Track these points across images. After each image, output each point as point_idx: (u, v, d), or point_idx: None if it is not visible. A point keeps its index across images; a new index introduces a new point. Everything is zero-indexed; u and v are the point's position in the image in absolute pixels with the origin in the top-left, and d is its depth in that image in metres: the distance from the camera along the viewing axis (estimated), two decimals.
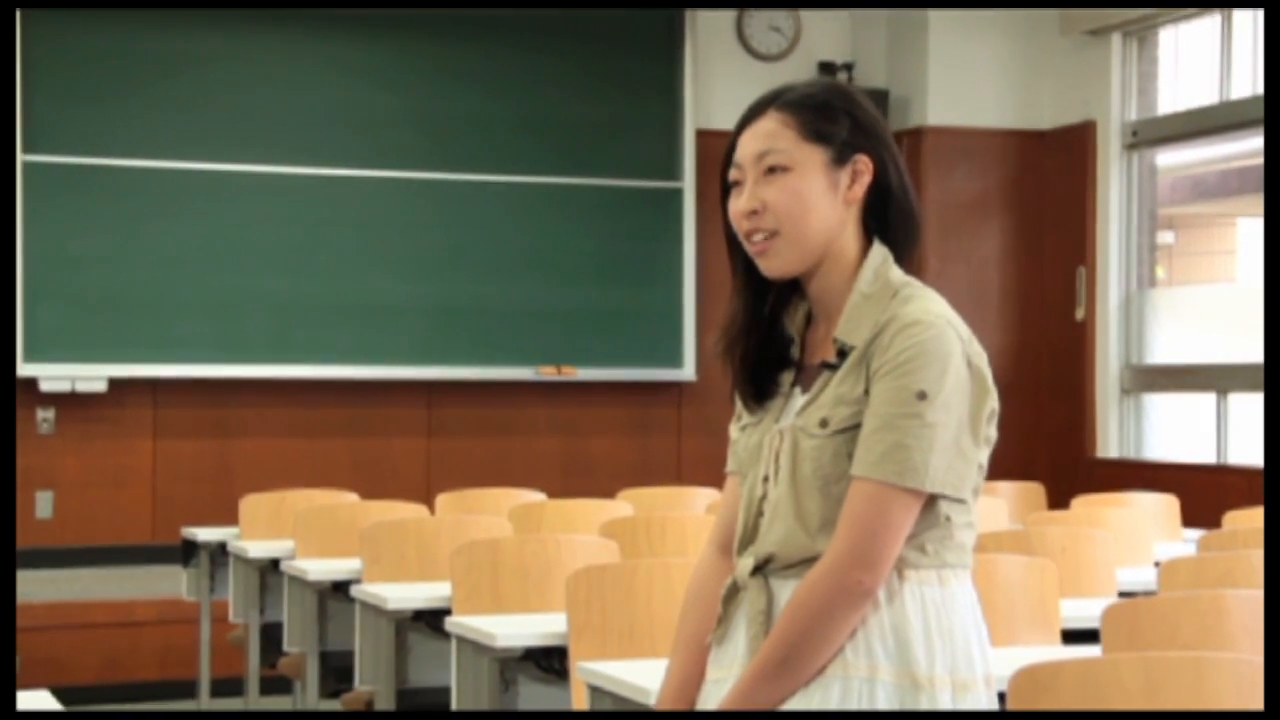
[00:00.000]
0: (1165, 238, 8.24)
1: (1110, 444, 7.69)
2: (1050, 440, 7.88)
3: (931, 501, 2.10)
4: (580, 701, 3.10)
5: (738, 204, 2.18)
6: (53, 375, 6.98)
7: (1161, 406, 7.70)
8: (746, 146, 2.18)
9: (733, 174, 2.20)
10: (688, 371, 7.75)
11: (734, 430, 2.28)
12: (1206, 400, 7.29)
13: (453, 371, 7.53)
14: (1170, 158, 7.88)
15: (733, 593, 2.20)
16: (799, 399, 2.19)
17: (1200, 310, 7.56)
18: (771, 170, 2.15)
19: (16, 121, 6.85)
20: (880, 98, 7.85)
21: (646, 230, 7.80)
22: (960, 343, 2.11)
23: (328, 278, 7.34)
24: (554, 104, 7.68)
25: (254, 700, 5.28)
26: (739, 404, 2.26)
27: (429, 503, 5.67)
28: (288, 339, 7.29)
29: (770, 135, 2.16)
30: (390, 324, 7.42)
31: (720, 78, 7.89)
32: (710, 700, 2.20)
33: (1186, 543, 5.55)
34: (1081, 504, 5.75)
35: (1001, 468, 7.24)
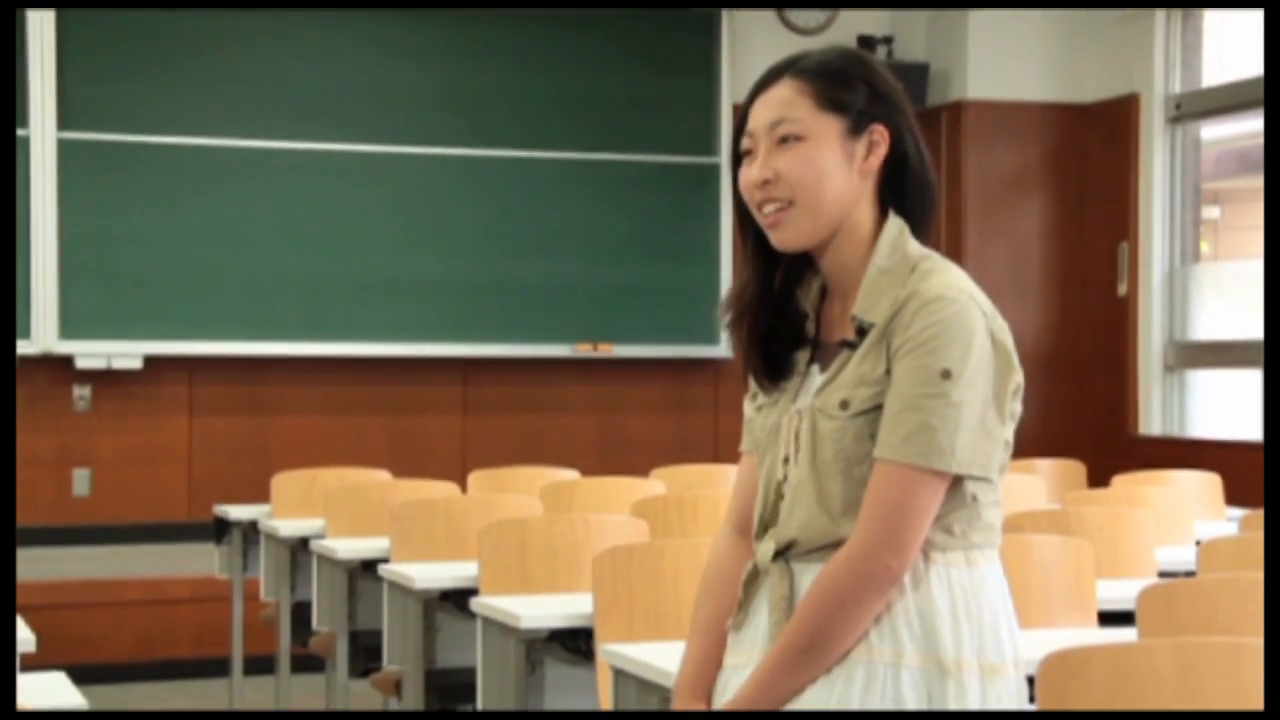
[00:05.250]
0: (1210, 212, 8.13)
1: (1153, 421, 7.59)
2: (1092, 417, 7.79)
3: (957, 481, 2.04)
4: (605, 684, 3.05)
5: (750, 173, 2.11)
6: (89, 353, 6.98)
7: (1205, 383, 7.60)
8: (759, 115, 2.11)
9: (745, 143, 2.13)
10: (724, 348, 7.70)
11: (749, 408, 2.22)
12: (1252, 377, 7.19)
13: (488, 349, 7.50)
14: (1215, 131, 7.77)
15: (753, 577, 2.14)
16: (817, 378, 2.13)
17: (1245, 285, 7.45)
18: (785, 140, 2.09)
19: (27, 103, 6.85)
20: (920, 71, 7.77)
21: (684, 206, 7.74)
22: (983, 317, 2.04)
23: (363, 255, 7.31)
24: (590, 80, 7.63)
25: (285, 679, 5.27)
26: (753, 382, 2.20)
27: (464, 481, 5.63)
28: (323, 316, 7.27)
29: (784, 103, 2.10)
30: (426, 301, 7.40)
31: (758, 52, 7.81)
32: (729, 686, 2.14)
33: (1229, 521, 5.47)
34: (1122, 482, 5.66)
35: (1042, 445, 7.17)
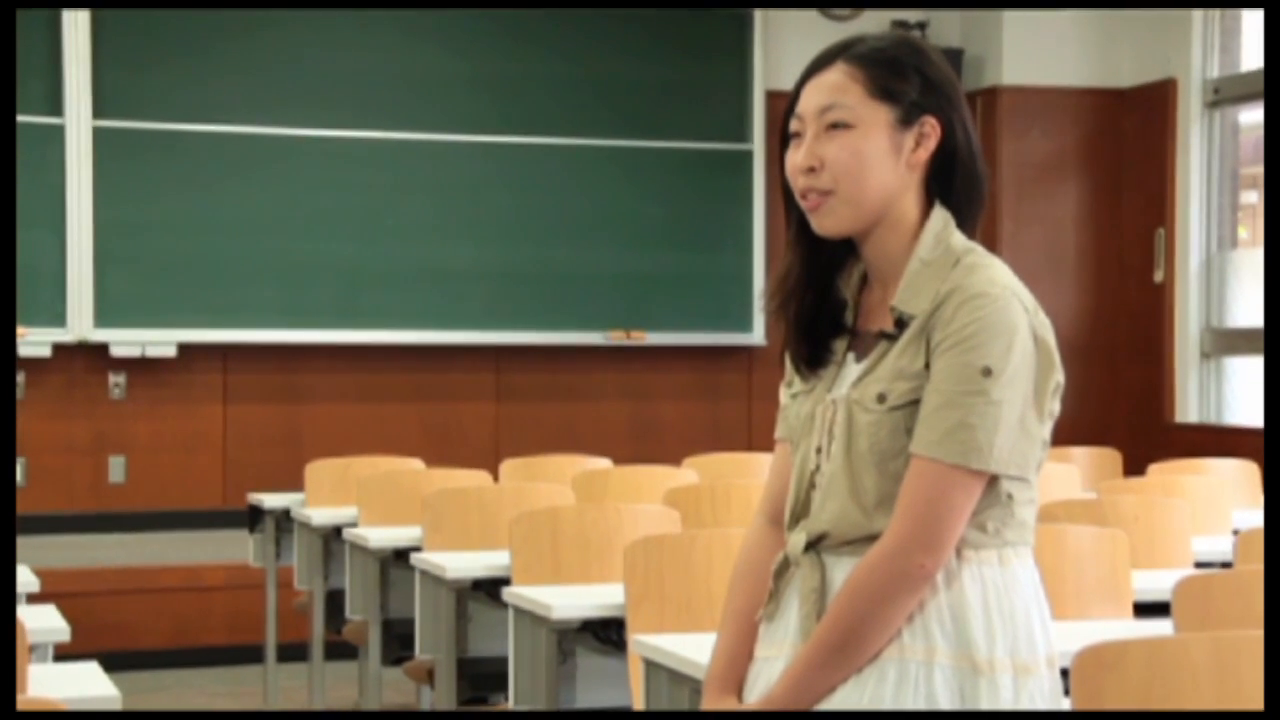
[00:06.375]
0: (1249, 198, 8.06)
1: (1190, 409, 7.54)
2: (1128, 405, 7.74)
3: (993, 480, 2.01)
4: (636, 675, 3.05)
5: (794, 158, 2.09)
6: (123, 340, 7.00)
7: (1243, 370, 7.54)
8: (810, 98, 2.08)
9: (793, 125, 2.10)
10: (757, 336, 7.67)
11: (784, 395, 2.19)
12: None
13: (521, 336, 7.50)
14: (1254, 116, 7.70)
15: (784, 568, 2.12)
16: (853, 367, 2.10)
17: None
18: (833, 126, 2.05)
19: (62, 90, 6.86)
20: (954, 56, 7.72)
21: (716, 193, 7.72)
22: (1026, 315, 2.01)
23: (396, 242, 7.32)
24: (622, 66, 7.61)
25: (318, 666, 5.28)
26: (789, 368, 2.18)
27: (496, 468, 5.63)
28: (356, 304, 7.28)
29: (835, 89, 2.06)
30: (458, 289, 7.40)
31: (791, 38, 7.77)
32: (760, 678, 2.12)
33: None
34: (1158, 471, 5.62)
35: (1077, 433, 7.11)
